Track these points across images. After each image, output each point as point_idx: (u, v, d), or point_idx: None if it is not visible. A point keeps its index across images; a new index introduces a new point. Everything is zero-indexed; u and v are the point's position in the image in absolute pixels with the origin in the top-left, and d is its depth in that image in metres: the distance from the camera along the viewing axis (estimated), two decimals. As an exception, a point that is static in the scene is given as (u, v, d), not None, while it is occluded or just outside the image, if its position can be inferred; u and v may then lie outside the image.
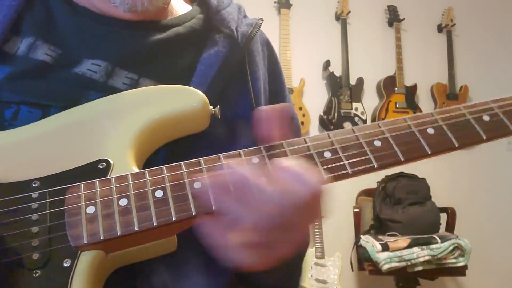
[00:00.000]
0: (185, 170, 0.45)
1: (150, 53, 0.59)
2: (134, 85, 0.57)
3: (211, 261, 0.54)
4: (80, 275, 0.42)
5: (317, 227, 2.66)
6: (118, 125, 0.52)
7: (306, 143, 0.47)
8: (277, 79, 0.71)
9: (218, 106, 0.55)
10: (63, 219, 0.43)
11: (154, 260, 0.49)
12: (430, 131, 0.49)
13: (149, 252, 0.48)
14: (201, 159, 0.46)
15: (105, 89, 0.55)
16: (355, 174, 0.47)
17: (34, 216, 0.44)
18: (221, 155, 0.46)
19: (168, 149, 0.55)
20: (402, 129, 0.49)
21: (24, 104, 0.53)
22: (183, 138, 0.55)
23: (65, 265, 0.42)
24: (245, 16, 0.68)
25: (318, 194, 0.40)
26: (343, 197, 2.95)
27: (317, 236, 2.64)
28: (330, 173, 0.46)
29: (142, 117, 0.52)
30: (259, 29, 0.67)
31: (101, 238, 0.42)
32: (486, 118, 0.50)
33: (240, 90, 0.63)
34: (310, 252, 2.63)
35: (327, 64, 3.06)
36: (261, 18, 0.69)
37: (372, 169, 0.47)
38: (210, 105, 0.54)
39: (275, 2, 3.07)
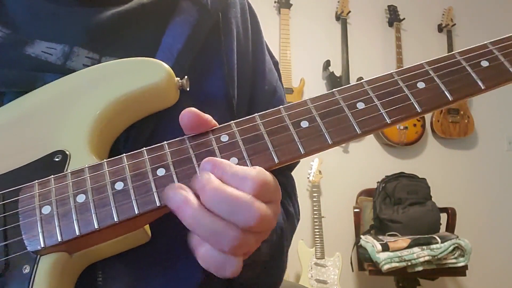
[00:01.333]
0: (147, 157, 0.41)
1: (111, 29, 0.53)
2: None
3: (177, 261, 0.50)
4: (41, 281, 0.38)
5: (317, 227, 2.66)
6: (74, 109, 0.46)
7: (281, 113, 0.43)
8: (258, 50, 0.65)
9: (186, 77, 0.49)
10: (18, 222, 0.39)
11: (114, 260, 0.46)
12: (421, 85, 0.43)
13: (120, 245, 0.44)
14: (165, 143, 0.42)
15: (64, 71, 0.49)
16: (335, 144, 0.41)
17: None
18: (186, 137, 0.42)
19: (136, 133, 0.50)
20: (389, 86, 0.43)
21: None
22: (151, 119, 0.50)
23: (24, 272, 0.38)
24: None
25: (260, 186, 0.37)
26: (343, 197, 2.95)
27: (317, 236, 2.64)
28: (308, 145, 0.41)
29: (100, 99, 0.46)
30: None
31: (59, 240, 0.38)
32: (484, 63, 0.44)
33: (212, 63, 0.57)
34: (310, 252, 2.63)
35: (327, 64, 3.06)
36: None
37: (355, 136, 0.41)
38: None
39: (275, 2, 3.07)
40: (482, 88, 0.43)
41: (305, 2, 3.12)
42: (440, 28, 3.35)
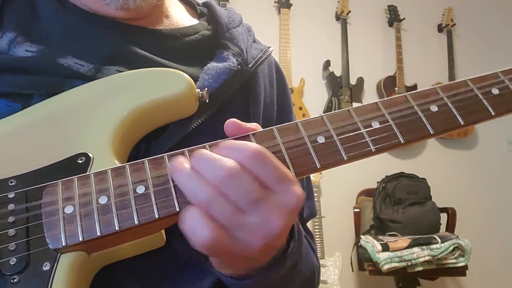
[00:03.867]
0: (168, 163, 0.42)
1: (146, 57, 0.55)
2: None
3: (187, 270, 0.52)
4: (60, 279, 0.39)
5: (317, 227, 2.66)
6: (98, 114, 0.48)
7: (298, 127, 0.44)
8: (285, 103, 0.68)
9: (206, 89, 0.52)
10: (41, 220, 0.40)
11: (131, 273, 0.47)
12: (433, 108, 0.45)
13: (136, 248, 0.46)
14: (186, 150, 0.43)
15: (92, 80, 0.52)
16: (350, 159, 0.43)
17: (11, 218, 0.41)
18: (207, 145, 0.43)
19: (156, 138, 0.51)
20: (403, 109, 0.45)
21: (4, 97, 0.50)
22: (171, 125, 0.52)
23: (44, 269, 0.39)
24: (254, 41, 0.66)
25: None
26: (343, 197, 2.95)
27: (317, 236, 2.64)
28: (324, 160, 0.42)
29: (123, 105, 0.48)
30: (269, 55, 0.64)
31: (80, 240, 0.39)
32: (495, 91, 0.47)
33: (238, 111, 0.59)
34: (310, 252, 2.63)
35: (327, 64, 3.06)
36: (271, 47, 0.66)
37: (369, 153, 0.43)
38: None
39: (275, 2, 3.07)
40: (493, 114, 0.46)
41: (305, 2, 3.12)
42: (440, 28, 3.35)
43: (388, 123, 0.44)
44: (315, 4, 3.15)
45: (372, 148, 0.43)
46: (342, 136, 0.43)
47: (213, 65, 0.58)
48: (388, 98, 0.46)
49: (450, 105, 0.45)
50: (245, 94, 0.61)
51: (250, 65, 0.60)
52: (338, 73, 3.05)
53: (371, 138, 0.43)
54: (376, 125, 0.44)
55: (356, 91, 3.06)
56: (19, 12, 0.56)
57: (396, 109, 0.45)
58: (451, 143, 3.26)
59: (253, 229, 0.37)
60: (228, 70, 0.57)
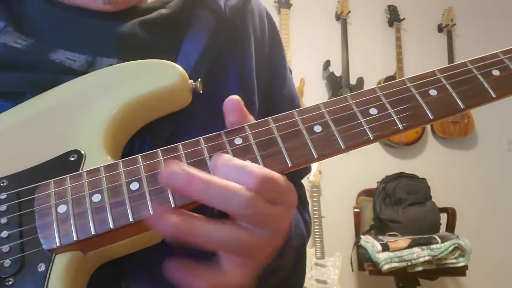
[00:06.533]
0: (161, 158, 0.41)
1: (132, 38, 0.54)
2: None
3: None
4: (56, 279, 0.39)
5: (317, 227, 2.66)
6: (89, 110, 0.47)
7: (294, 117, 0.43)
8: (277, 56, 0.66)
9: (199, 79, 0.50)
10: (34, 221, 0.40)
11: (139, 266, 0.47)
12: (433, 92, 0.44)
13: (132, 245, 0.45)
14: (179, 144, 0.42)
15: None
16: (348, 148, 0.42)
17: (3, 220, 0.40)
18: (201, 138, 0.42)
19: (153, 137, 0.51)
20: (401, 93, 0.44)
21: None
22: (165, 118, 0.51)
23: (39, 270, 0.39)
24: None
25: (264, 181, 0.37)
26: (343, 197, 2.95)
27: (317, 236, 2.64)
28: (321, 150, 0.41)
29: (114, 99, 0.47)
30: (249, 1, 0.62)
31: (74, 239, 0.38)
32: (496, 72, 0.45)
33: (229, 71, 0.58)
34: (310, 252, 2.63)
35: (327, 64, 3.06)
36: None
37: (367, 141, 0.42)
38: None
39: (275, 2, 3.07)
40: (494, 96, 0.44)
41: (305, 2, 3.12)
42: (440, 28, 3.35)
43: (387, 110, 0.43)
44: (315, 4, 3.15)
45: (371, 136, 0.42)
46: (340, 127, 0.42)
47: (192, 32, 0.56)
48: (386, 83, 0.45)
49: (449, 88, 0.44)
50: (234, 50, 0.59)
51: (228, 16, 0.58)
52: (338, 73, 3.05)
53: (369, 126, 0.42)
54: (374, 111, 0.43)
55: (356, 91, 3.05)
56: (9, 3, 0.55)
57: (394, 95, 0.44)
58: (451, 143, 3.26)
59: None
60: (206, 33, 0.56)
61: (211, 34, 0.56)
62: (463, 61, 0.46)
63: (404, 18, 3.22)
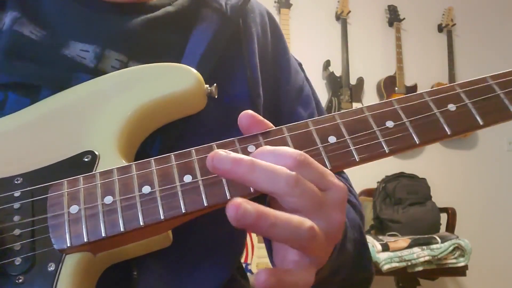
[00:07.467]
0: (175, 163, 0.41)
1: (139, 34, 0.56)
2: (123, 68, 0.53)
3: (209, 254, 0.54)
4: (65, 279, 0.39)
5: (317, 227, 2.66)
6: (104, 111, 0.48)
7: (309, 127, 0.42)
8: (280, 51, 0.67)
9: (215, 84, 0.50)
10: (46, 220, 0.40)
11: (150, 255, 0.47)
12: (451, 107, 0.43)
13: (142, 248, 0.45)
14: (193, 149, 0.42)
15: (95, 73, 0.52)
16: (362, 161, 0.41)
17: (16, 217, 0.41)
18: (214, 144, 0.42)
19: (163, 136, 0.51)
20: (418, 107, 0.43)
21: (13, 90, 0.51)
22: (178, 122, 0.51)
23: (49, 269, 0.39)
24: None
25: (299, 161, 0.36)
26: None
27: (317, 236, 2.64)
28: (335, 160, 0.41)
29: (130, 102, 0.48)
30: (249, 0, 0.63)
31: (85, 241, 0.38)
32: None
33: (234, 68, 0.59)
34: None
35: (327, 64, 3.06)
36: None
37: (383, 154, 0.41)
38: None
39: (275, 2, 3.07)
40: None
41: (305, 2, 3.12)
42: (440, 28, 3.36)
43: (404, 125, 0.42)
44: (315, 4, 3.15)
45: (386, 149, 0.41)
46: (355, 138, 0.41)
47: (196, 30, 0.58)
48: (403, 96, 0.44)
49: (469, 105, 0.43)
50: (238, 48, 0.61)
51: (230, 15, 0.60)
52: (338, 73, 3.05)
53: (385, 139, 0.41)
54: (390, 124, 0.42)
55: (356, 91, 3.06)
56: None
57: (412, 108, 0.43)
58: (451, 143, 3.26)
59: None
60: (209, 31, 0.57)
61: (215, 33, 0.58)
62: (483, 76, 0.45)
63: (404, 18, 3.22)
